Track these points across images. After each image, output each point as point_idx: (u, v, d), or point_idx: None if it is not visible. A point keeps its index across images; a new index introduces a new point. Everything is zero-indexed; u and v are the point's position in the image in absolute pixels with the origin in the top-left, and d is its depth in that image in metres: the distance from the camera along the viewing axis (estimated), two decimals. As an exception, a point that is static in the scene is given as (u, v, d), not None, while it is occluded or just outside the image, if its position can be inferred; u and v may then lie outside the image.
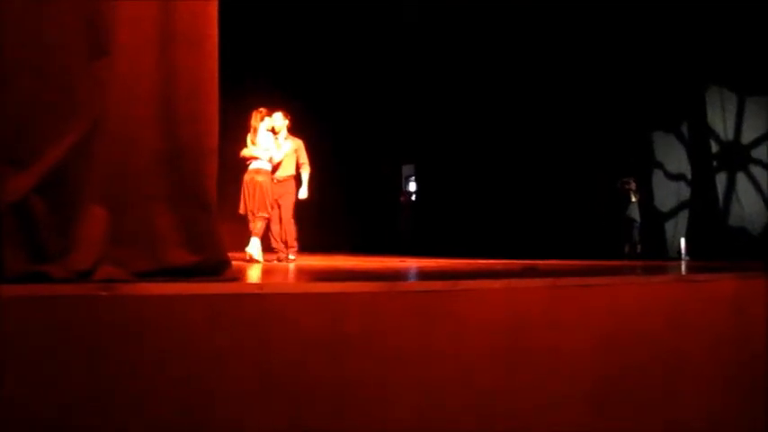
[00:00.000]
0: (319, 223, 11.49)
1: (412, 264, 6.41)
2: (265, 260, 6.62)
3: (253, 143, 6.79)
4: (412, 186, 13.41)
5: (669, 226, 10.41)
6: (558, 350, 3.21)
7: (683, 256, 9.78)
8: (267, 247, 6.94)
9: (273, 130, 6.99)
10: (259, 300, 2.67)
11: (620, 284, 3.49)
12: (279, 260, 6.81)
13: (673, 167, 10.47)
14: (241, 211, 6.77)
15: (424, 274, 4.40)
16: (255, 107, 7.01)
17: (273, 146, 6.87)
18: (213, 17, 3.15)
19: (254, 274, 4.14)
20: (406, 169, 13.47)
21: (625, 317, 3.41)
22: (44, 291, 2.33)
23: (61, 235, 2.68)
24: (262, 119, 6.87)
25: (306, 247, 8.98)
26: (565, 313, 3.27)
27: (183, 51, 3.02)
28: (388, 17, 11.00)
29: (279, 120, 7.04)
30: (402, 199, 13.46)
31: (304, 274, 4.36)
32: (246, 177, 6.75)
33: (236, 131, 6.81)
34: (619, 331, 3.37)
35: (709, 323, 3.66)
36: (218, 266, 3.07)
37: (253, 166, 6.76)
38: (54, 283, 2.48)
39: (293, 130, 7.27)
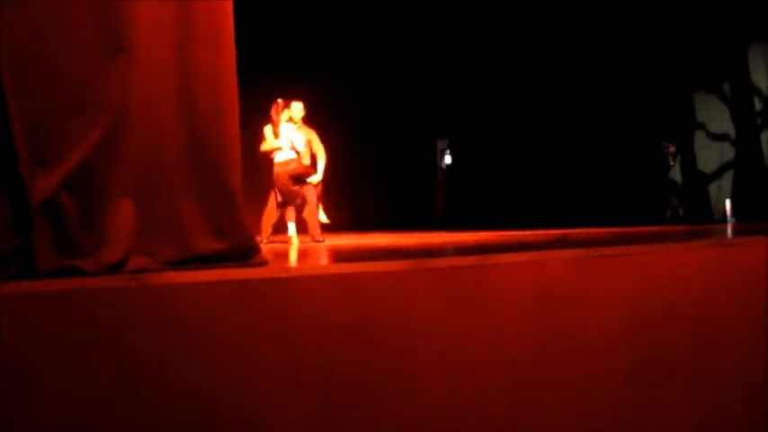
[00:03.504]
0: (356, 202, 11.56)
1: (447, 239, 6.39)
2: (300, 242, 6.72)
3: (276, 136, 6.83)
4: (447, 160, 13.32)
5: (713, 188, 10.14)
6: (589, 322, 3.19)
7: (728, 218, 9.54)
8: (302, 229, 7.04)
9: (291, 120, 6.99)
10: (285, 283, 2.70)
11: (651, 252, 3.42)
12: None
13: (715, 128, 10.17)
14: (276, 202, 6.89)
15: (455, 250, 4.39)
16: (279, 91, 7.04)
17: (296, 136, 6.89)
18: (229, 7, 3.17)
19: (283, 258, 4.18)
20: (441, 143, 13.39)
21: (657, 285, 3.35)
22: (73, 284, 2.40)
23: (91, 230, 2.75)
24: (281, 110, 6.88)
25: (342, 226, 9.05)
26: (595, 284, 3.24)
27: (200, 43, 3.05)
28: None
29: (298, 110, 7.02)
30: (439, 176, 13.38)
31: (334, 254, 4.39)
32: (279, 170, 6.80)
33: (258, 118, 6.88)
34: (651, 301, 3.32)
35: (746, 289, 3.56)
36: (246, 252, 3.12)
37: (280, 158, 6.81)
38: (86, 276, 2.56)
39: (313, 118, 7.29)
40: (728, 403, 3.43)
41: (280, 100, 6.92)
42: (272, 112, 6.88)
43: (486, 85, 11.48)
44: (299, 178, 6.79)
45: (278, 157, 6.81)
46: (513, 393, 3.02)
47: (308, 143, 7.01)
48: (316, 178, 6.99)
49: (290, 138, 6.81)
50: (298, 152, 6.87)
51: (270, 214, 6.96)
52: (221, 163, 3.08)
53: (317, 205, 6.85)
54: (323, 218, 6.89)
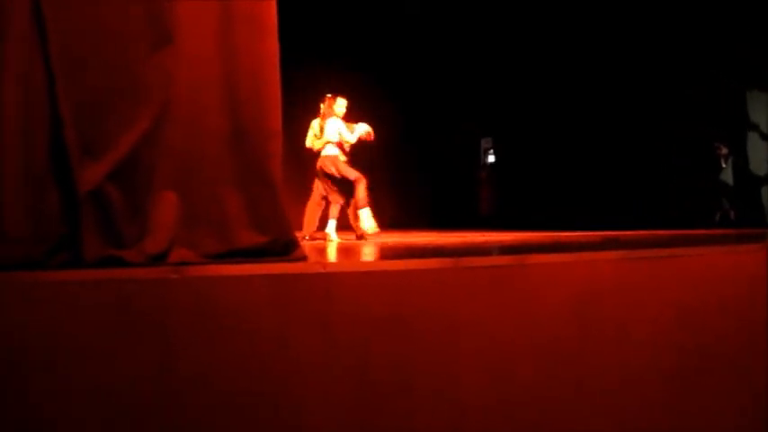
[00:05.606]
0: (400, 201, 11.54)
1: (490, 239, 6.34)
2: (344, 238, 6.73)
3: (322, 130, 6.86)
4: (491, 159, 13.22)
5: (766, 191, 9.87)
6: (631, 323, 3.12)
7: (782, 222, 9.27)
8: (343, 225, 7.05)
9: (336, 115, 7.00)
10: (322, 279, 2.71)
11: (694, 255, 3.34)
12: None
13: (770, 128, 9.89)
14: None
15: (496, 249, 4.35)
16: (323, 85, 7.08)
17: (345, 129, 6.88)
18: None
19: (322, 254, 4.19)
20: (485, 142, 13.30)
21: (701, 288, 3.27)
22: (117, 274, 2.44)
23: (135, 220, 2.80)
24: (330, 105, 6.91)
25: (386, 224, 9.04)
26: (637, 286, 3.17)
27: (243, 33, 3.06)
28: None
29: (342, 105, 7.02)
30: (483, 175, 13.29)
31: (373, 252, 4.39)
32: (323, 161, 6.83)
33: (301, 112, 6.92)
34: (694, 303, 3.24)
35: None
36: (286, 246, 3.12)
37: (327, 152, 6.84)
38: (129, 267, 2.61)
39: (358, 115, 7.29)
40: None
41: (330, 94, 6.96)
42: (324, 106, 6.93)
43: (530, 84, 11.34)
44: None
45: (325, 151, 6.85)
46: (551, 391, 2.97)
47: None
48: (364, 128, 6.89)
49: (339, 131, 6.84)
50: (346, 144, 6.87)
51: (313, 209, 7.00)
52: (262, 154, 3.09)
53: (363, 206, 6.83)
54: (368, 224, 6.79)
